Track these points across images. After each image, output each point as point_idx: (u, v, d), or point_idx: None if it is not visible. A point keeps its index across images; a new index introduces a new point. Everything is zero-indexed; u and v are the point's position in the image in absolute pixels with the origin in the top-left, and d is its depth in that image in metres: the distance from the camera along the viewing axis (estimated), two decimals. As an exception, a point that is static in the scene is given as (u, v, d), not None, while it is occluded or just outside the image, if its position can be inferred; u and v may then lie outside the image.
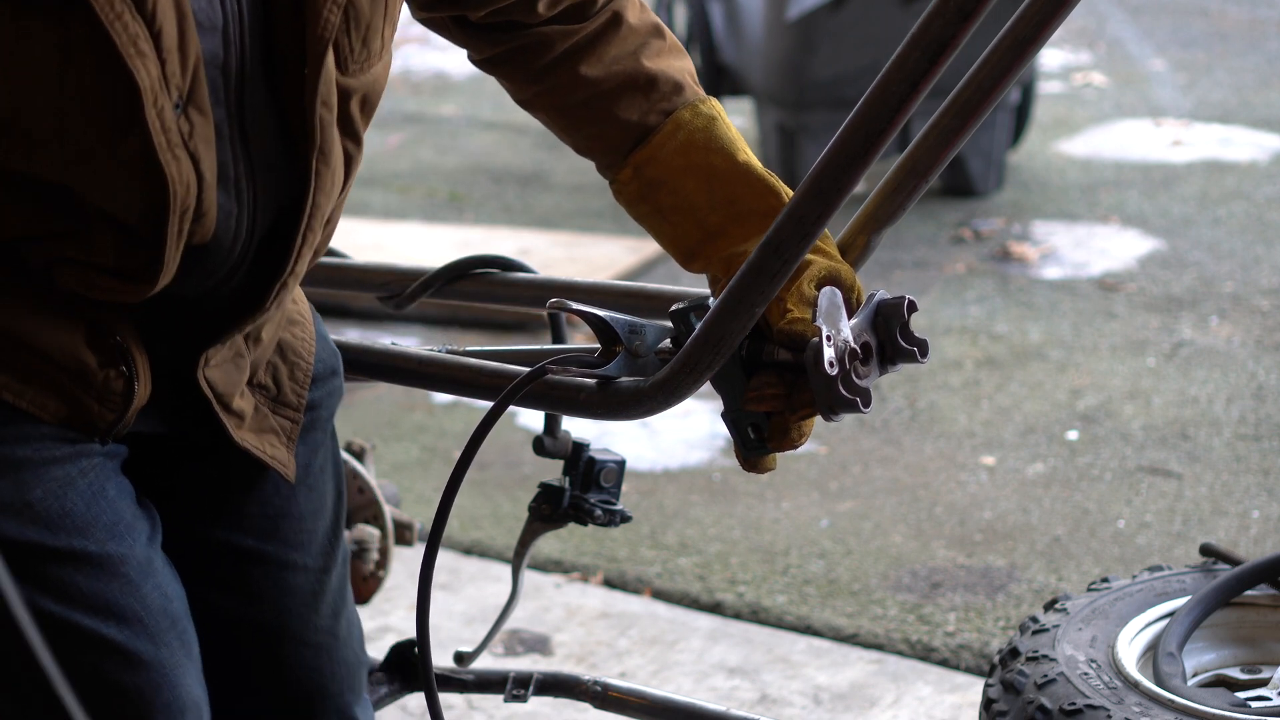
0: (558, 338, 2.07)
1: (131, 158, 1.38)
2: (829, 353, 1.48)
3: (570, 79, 1.66)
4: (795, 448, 1.59)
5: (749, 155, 1.65)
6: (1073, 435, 4.06)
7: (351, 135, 1.53)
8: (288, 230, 1.51)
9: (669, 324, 1.59)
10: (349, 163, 1.54)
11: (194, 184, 1.41)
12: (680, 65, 1.68)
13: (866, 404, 1.49)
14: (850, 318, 1.54)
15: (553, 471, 2.15)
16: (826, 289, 1.53)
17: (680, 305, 1.56)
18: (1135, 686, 1.95)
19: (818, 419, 1.55)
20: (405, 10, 1.61)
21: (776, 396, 1.56)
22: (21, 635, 1.13)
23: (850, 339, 1.52)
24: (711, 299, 1.59)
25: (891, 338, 1.55)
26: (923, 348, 1.55)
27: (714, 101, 1.67)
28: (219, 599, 1.63)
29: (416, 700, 2.78)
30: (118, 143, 1.38)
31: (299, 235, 1.51)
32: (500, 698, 2.22)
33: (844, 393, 1.49)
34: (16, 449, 1.46)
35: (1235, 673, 2.14)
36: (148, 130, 1.36)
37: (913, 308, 1.55)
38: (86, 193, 1.41)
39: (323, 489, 1.70)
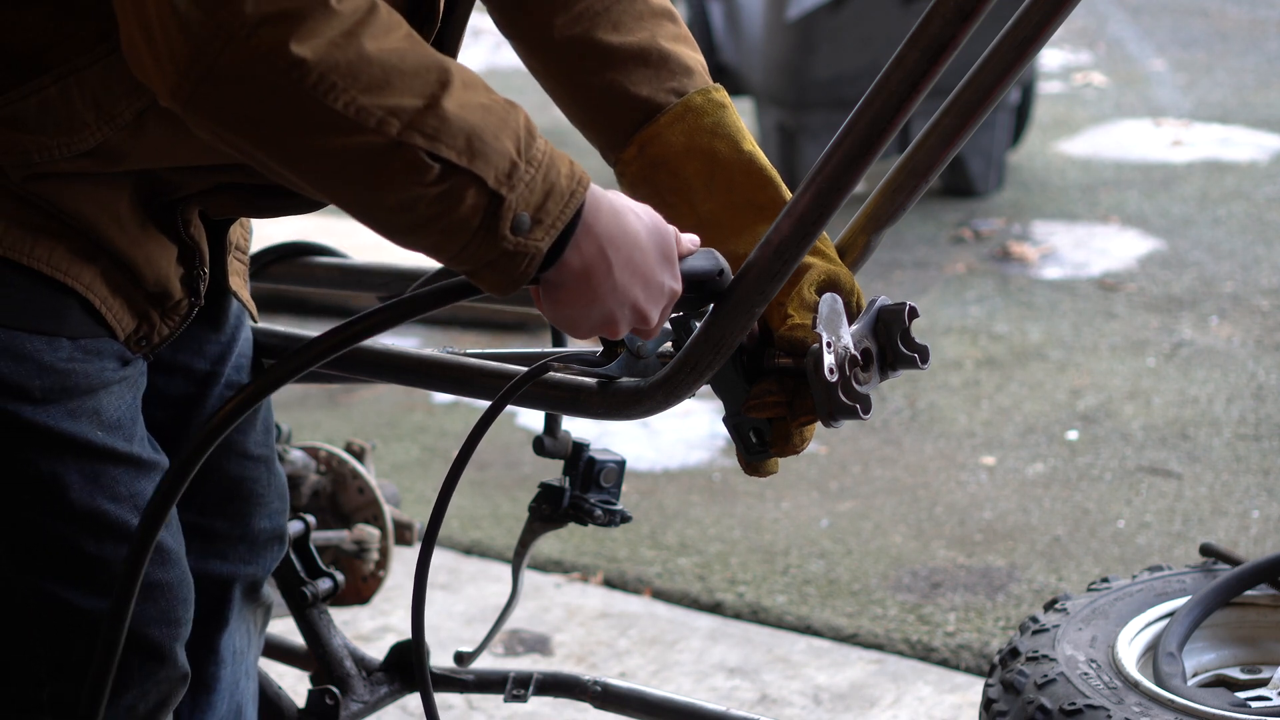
0: (558, 338, 2.06)
1: None
2: (829, 359, 1.48)
3: (584, 43, 1.66)
4: (797, 453, 1.59)
5: (754, 146, 1.65)
6: (1073, 435, 4.06)
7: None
8: None
9: (669, 328, 1.58)
10: None
11: None
12: (692, 54, 1.69)
13: (867, 410, 1.49)
14: (851, 323, 1.54)
15: (553, 471, 2.15)
16: (827, 295, 1.53)
17: (681, 313, 1.55)
18: (1135, 686, 1.95)
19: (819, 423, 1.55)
20: None
21: (778, 403, 1.56)
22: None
23: (851, 345, 1.51)
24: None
25: (892, 344, 1.55)
26: (923, 354, 1.55)
27: (724, 91, 1.68)
28: (172, 417, 1.73)
29: (417, 700, 2.78)
30: None
31: None
32: (500, 698, 2.22)
33: (844, 399, 1.48)
34: (105, 370, 1.55)
35: (1235, 673, 2.14)
36: None
37: (914, 314, 1.55)
38: None
39: (250, 323, 1.84)
